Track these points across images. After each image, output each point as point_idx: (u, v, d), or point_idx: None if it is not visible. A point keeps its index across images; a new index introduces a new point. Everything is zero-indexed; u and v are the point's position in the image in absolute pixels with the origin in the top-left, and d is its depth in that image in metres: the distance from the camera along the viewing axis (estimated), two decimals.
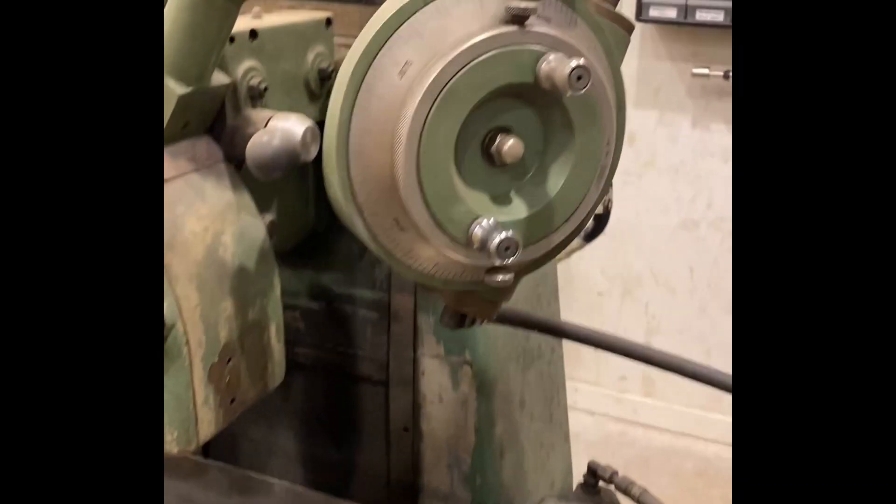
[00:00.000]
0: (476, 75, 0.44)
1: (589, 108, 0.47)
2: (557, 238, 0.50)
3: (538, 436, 0.90)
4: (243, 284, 0.54)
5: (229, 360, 0.53)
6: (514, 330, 0.79)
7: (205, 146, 0.54)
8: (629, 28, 0.54)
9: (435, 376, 0.77)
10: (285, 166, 0.48)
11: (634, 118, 2.27)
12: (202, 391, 0.51)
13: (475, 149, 0.47)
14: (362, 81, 0.45)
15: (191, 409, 0.51)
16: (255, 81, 0.56)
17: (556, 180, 0.49)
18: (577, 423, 2.44)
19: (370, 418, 0.81)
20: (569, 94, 0.44)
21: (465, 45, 0.44)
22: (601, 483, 0.78)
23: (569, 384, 2.74)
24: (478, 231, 0.47)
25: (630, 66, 2.21)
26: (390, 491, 0.81)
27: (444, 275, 0.51)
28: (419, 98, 0.44)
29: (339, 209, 0.49)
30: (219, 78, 0.53)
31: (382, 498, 0.81)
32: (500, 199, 0.49)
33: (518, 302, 0.82)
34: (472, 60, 0.44)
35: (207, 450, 0.86)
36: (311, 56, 0.62)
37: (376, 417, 0.80)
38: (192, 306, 0.50)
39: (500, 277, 0.49)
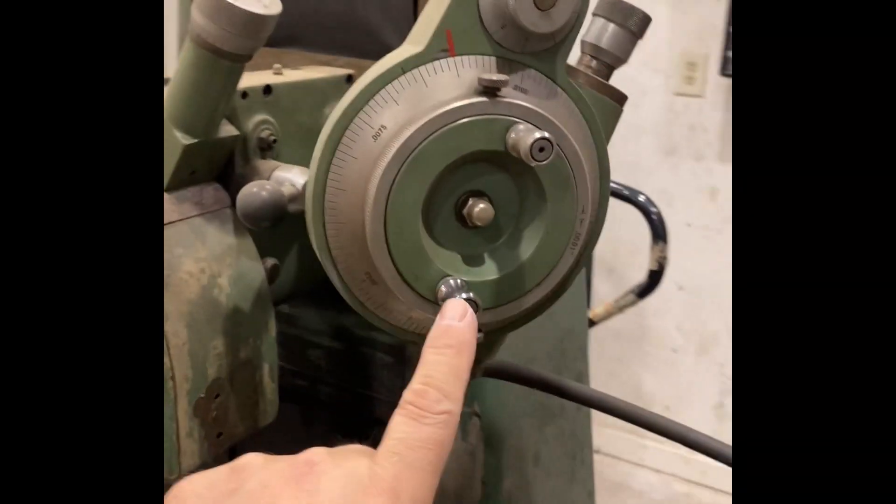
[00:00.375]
0: (445, 141, 0.46)
1: (562, 176, 0.49)
2: (529, 301, 0.51)
3: (555, 493, 0.89)
4: (236, 325, 0.57)
5: (217, 396, 0.56)
6: None
7: (212, 192, 0.58)
8: (621, 99, 0.54)
9: None
10: (271, 217, 0.51)
11: (717, 173, 2.23)
12: (186, 424, 0.54)
13: (449, 210, 0.49)
14: (339, 143, 0.47)
15: (174, 440, 0.54)
16: (265, 134, 0.59)
17: (528, 245, 0.50)
18: (643, 481, 2.39)
19: None
20: (533, 164, 0.45)
21: (436, 112, 0.46)
22: None
23: (636, 440, 2.70)
24: (443, 289, 0.48)
25: (714, 121, 2.18)
26: None
27: (417, 329, 0.52)
28: (388, 160, 0.46)
29: (319, 259, 0.51)
30: (227, 129, 0.57)
31: None
32: (473, 260, 0.50)
33: (536, 358, 0.83)
34: (442, 127, 0.46)
35: None
36: (327, 110, 0.65)
37: None
38: (180, 343, 0.53)
39: None
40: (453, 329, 0.42)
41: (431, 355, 0.41)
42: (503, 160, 0.48)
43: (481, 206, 0.48)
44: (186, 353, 0.53)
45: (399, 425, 0.39)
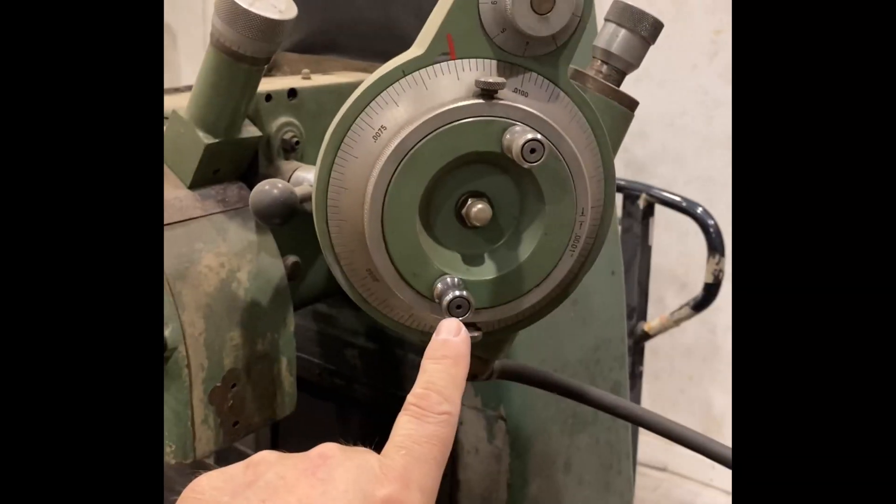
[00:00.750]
0: (441, 142, 0.47)
1: (559, 178, 0.49)
2: (527, 302, 0.52)
3: (588, 503, 0.89)
4: (254, 318, 0.59)
5: (234, 386, 0.58)
6: None
7: (236, 191, 0.60)
8: (631, 105, 0.55)
9: (472, 427, 0.79)
10: (280, 214, 0.53)
11: None
12: (201, 411, 0.57)
13: (449, 210, 0.50)
14: (341, 143, 0.49)
15: (188, 425, 0.56)
16: (288, 136, 0.62)
17: (527, 246, 0.50)
18: (711, 502, 2.33)
19: None
20: (525, 165, 0.46)
21: (432, 113, 0.47)
22: None
23: (706, 460, 2.61)
24: (439, 286, 0.49)
25: None
26: None
27: (419, 326, 0.54)
28: (385, 159, 0.47)
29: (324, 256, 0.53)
30: (250, 130, 0.59)
31: None
32: (472, 260, 0.51)
33: (568, 364, 0.83)
34: (439, 128, 0.47)
35: None
36: None
37: None
38: (196, 333, 0.55)
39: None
40: (450, 342, 0.46)
41: (431, 365, 0.45)
42: (504, 162, 0.49)
43: (479, 206, 0.49)
44: (202, 343, 0.56)
45: (405, 423, 0.42)
